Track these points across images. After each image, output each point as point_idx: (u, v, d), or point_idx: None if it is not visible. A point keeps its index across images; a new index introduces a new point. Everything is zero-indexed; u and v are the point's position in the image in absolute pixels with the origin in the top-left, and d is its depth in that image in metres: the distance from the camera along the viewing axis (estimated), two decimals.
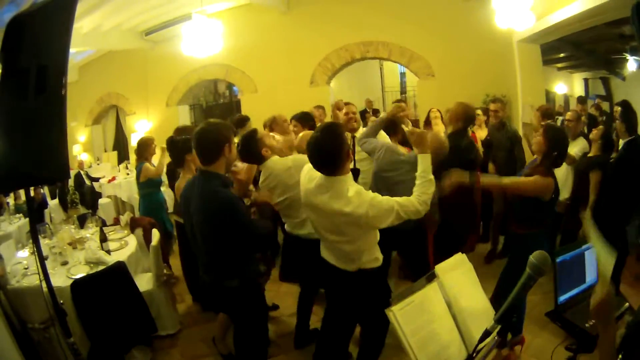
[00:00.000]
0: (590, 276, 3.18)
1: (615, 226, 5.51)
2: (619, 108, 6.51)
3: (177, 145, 5.76)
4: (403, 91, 20.17)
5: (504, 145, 7.42)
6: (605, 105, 14.58)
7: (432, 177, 3.70)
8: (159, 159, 7.46)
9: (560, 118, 9.09)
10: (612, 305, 2.18)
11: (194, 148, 3.85)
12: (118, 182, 12.74)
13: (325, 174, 3.55)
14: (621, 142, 6.36)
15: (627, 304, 3.11)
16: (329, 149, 3.48)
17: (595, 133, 6.35)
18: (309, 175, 3.78)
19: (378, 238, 3.80)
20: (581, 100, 12.23)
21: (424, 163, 3.72)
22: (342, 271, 3.78)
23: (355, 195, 3.44)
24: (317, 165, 3.57)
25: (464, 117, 5.83)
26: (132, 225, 6.70)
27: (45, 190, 12.03)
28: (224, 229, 3.65)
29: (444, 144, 4.77)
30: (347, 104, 6.54)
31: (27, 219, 8.91)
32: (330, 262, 3.87)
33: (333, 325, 4.27)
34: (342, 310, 4.07)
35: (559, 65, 18.18)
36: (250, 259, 3.97)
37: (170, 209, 8.12)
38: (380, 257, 3.84)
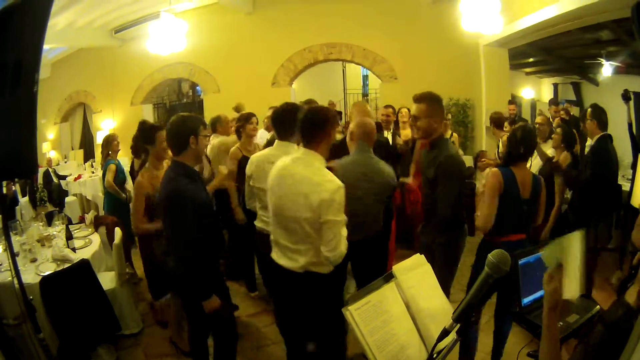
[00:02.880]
0: None
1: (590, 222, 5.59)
2: (589, 109, 6.60)
3: (145, 127, 5.55)
4: (365, 94, 20.36)
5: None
6: (575, 110, 14.69)
7: None
8: (115, 187, 7.46)
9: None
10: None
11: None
12: (83, 180, 12.67)
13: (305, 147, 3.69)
14: (588, 143, 6.53)
15: (597, 307, 3.12)
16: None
17: (555, 139, 6.46)
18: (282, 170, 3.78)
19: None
20: (554, 102, 12.30)
21: None
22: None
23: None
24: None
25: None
26: (96, 224, 6.68)
27: (17, 187, 11.92)
28: (172, 219, 3.74)
29: None
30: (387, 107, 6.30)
31: None
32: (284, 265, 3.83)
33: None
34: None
35: (527, 70, 18.30)
36: (206, 243, 3.89)
37: None
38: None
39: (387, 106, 7.86)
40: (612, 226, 6.70)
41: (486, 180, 4.32)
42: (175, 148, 3.89)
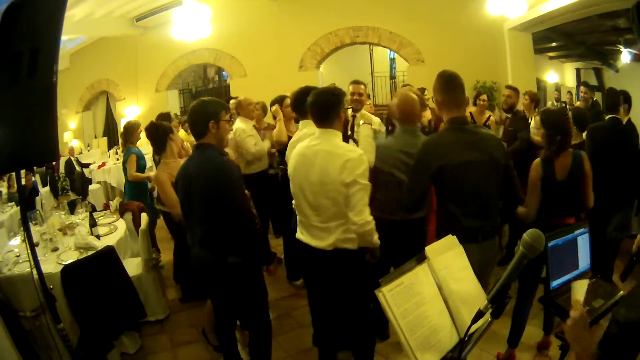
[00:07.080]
0: (583, 262, 3.14)
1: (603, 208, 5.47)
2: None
3: (159, 128, 5.79)
4: (393, 76, 20.26)
5: None
6: (597, 96, 14.60)
7: None
8: (142, 175, 7.41)
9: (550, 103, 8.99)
10: (584, 326, 2.07)
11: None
12: (108, 167, 12.70)
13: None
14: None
15: (621, 292, 3.07)
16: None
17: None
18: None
19: None
20: (585, 84, 12.22)
21: None
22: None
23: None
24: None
25: None
26: (122, 210, 6.67)
27: (37, 178, 11.97)
28: (222, 196, 3.68)
29: None
30: (356, 82, 6.22)
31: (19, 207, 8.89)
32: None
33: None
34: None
35: (551, 54, 18.17)
36: (253, 234, 3.87)
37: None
38: None
39: (419, 89, 7.83)
40: (633, 212, 6.54)
41: (531, 172, 4.30)
42: (196, 133, 3.88)
